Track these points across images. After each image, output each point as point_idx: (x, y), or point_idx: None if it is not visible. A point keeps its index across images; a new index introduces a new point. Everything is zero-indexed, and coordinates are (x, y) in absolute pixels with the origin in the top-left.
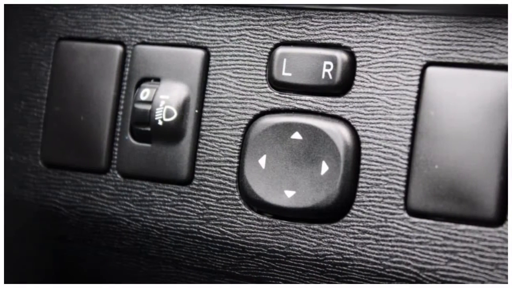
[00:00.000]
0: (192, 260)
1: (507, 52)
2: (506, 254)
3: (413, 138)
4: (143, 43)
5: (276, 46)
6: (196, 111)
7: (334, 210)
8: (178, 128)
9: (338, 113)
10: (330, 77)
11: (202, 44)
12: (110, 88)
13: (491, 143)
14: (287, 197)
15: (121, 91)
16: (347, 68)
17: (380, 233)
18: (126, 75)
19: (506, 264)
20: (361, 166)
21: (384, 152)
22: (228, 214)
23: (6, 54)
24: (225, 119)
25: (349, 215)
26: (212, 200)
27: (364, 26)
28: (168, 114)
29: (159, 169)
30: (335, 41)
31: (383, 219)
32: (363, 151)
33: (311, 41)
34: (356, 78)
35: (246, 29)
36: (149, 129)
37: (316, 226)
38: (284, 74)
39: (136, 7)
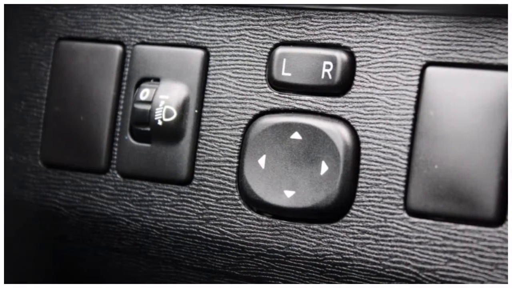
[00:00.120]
0: (191, 260)
1: (506, 52)
2: (506, 254)
3: (412, 138)
4: (143, 43)
5: (276, 46)
6: (196, 111)
7: (334, 210)
8: (177, 128)
9: (338, 113)
10: (330, 77)
11: (201, 44)
12: (110, 88)
13: (490, 143)
14: (287, 197)
15: (121, 91)
16: (347, 68)
17: (379, 233)
18: (126, 75)
19: (506, 264)
20: (361, 166)
21: (384, 152)
22: (227, 214)
23: (6, 54)
24: (225, 119)
25: (348, 215)
26: (212, 200)
27: (363, 26)
28: (168, 114)
29: (159, 169)
30: (334, 41)
31: (382, 219)
32: (362, 151)
33: (311, 41)
34: (356, 78)
35: (246, 29)
36: (148, 129)
37: (315, 226)
38: (284, 74)
39: (135, 7)
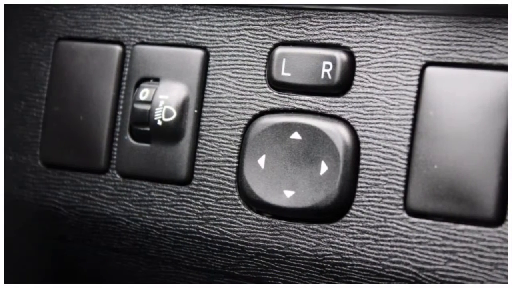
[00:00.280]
0: (191, 260)
1: (506, 52)
2: (506, 254)
3: (412, 138)
4: (143, 43)
5: (276, 46)
6: (195, 111)
7: (334, 210)
8: (177, 128)
9: (337, 113)
10: (330, 77)
11: (201, 44)
12: (110, 88)
13: (490, 143)
14: (286, 197)
15: (120, 91)
16: (346, 68)
17: (379, 233)
18: (126, 75)
19: (506, 264)
20: (360, 166)
21: (384, 152)
22: (227, 214)
23: (5, 54)
24: (224, 119)
25: (348, 215)
26: (211, 200)
27: (363, 26)
28: (168, 114)
29: (158, 169)
30: (334, 41)
31: (382, 219)
32: (362, 151)
33: (310, 41)
34: (355, 78)
35: (246, 29)
36: (148, 129)
37: (315, 226)
38: (283, 74)
39: (135, 7)
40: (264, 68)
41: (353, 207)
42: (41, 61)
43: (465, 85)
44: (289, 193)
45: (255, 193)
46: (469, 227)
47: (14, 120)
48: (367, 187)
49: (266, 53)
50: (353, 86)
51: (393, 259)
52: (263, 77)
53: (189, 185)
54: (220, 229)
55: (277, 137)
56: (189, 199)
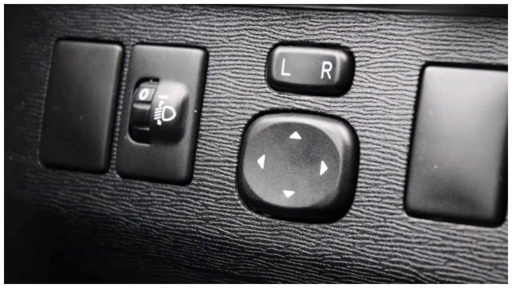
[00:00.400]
0: (191, 260)
1: (506, 52)
2: (505, 254)
3: (412, 138)
4: (142, 43)
5: (275, 46)
6: (195, 111)
7: (333, 210)
8: (177, 128)
9: (337, 113)
10: (329, 77)
11: (201, 44)
12: (109, 88)
13: (490, 143)
14: (286, 197)
15: (120, 91)
16: (346, 68)
17: (379, 233)
18: (125, 75)
19: (505, 264)
20: (360, 166)
21: (383, 152)
22: (227, 214)
23: (5, 54)
24: (224, 119)
25: (348, 215)
26: (211, 200)
27: (363, 26)
28: (167, 114)
29: (158, 169)
30: (334, 41)
31: (382, 219)
32: (362, 151)
33: (310, 41)
34: (355, 78)
35: (245, 29)
36: (148, 129)
37: (315, 226)
38: (283, 74)
39: (135, 7)
40: (263, 68)
41: (353, 207)
42: (40, 61)
43: (464, 85)
44: (288, 193)
45: (254, 193)
46: (469, 227)
47: (14, 120)
48: (366, 187)
49: (266, 53)
50: (352, 86)
51: (393, 259)
52: (263, 77)
53: (188, 185)
54: (220, 229)
55: (276, 137)
56: (188, 199)
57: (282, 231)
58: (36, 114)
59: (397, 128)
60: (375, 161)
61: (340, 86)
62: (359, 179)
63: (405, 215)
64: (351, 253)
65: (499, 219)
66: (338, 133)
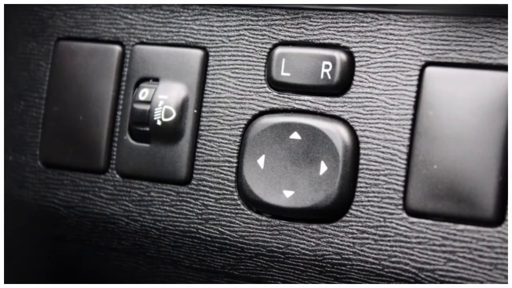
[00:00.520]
0: (190, 260)
1: (506, 52)
2: (505, 254)
3: (412, 138)
4: (142, 43)
5: (275, 46)
6: (195, 111)
7: (333, 210)
8: (176, 128)
9: (337, 113)
10: (329, 77)
11: (200, 44)
12: (109, 88)
13: (490, 143)
14: (286, 197)
15: (120, 91)
16: (346, 68)
17: (378, 233)
18: (125, 75)
19: (505, 264)
20: (360, 166)
21: (383, 152)
22: (226, 214)
23: (5, 54)
24: (224, 119)
25: (347, 215)
26: (211, 200)
27: (362, 26)
28: (167, 114)
29: (158, 169)
30: (333, 41)
31: (382, 219)
32: (361, 151)
33: (310, 41)
34: (355, 78)
35: (245, 29)
36: (147, 129)
37: (315, 226)
38: (283, 74)
39: (135, 7)
40: (263, 68)
41: (353, 207)
42: (40, 61)
43: (464, 85)
44: (288, 193)
45: (254, 193)
46: (469, 227)
47: (14, 120)
48: (366, 187)
49: (266, 53)
50: (352, 86)
51: (393, 259)
52: (263, 77)
53: (188, 185)
54: (220, 229)
55: (276, 137)
56: (188, 199)
57: (282, 231)
58: (35, 114)
59: (397, 128)
60: (375, 161)
61: (340, 86)
62: (359, 179)
63: (405, 215)
64: (351, 253)
65: (499, 219)
66: (338, 133)
